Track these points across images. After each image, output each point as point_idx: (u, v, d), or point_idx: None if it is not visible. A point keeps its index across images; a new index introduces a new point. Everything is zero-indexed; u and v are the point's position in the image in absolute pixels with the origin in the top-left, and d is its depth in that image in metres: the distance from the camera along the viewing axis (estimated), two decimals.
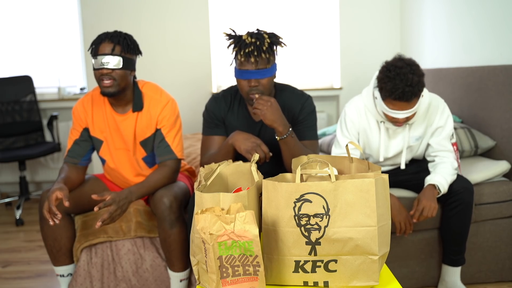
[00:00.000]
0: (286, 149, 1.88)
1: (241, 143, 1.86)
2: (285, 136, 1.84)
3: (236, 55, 1.86)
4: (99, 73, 1.89)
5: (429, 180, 2.02)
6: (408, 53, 3.86)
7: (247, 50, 1.80)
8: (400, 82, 1.82)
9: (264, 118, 1.81)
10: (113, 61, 1.88)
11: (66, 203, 1.76)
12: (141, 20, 4.08)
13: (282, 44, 1.89)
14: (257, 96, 1.85)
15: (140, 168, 2.13)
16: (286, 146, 1.87)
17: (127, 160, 2.11)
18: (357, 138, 2.15)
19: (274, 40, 1.86)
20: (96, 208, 1.72)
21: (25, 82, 3.97)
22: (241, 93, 1.93)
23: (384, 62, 1.93)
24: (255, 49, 1.80)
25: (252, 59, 1.80)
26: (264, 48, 1.81)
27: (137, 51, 2.00)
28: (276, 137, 1.87)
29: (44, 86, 4.27)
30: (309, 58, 4.22)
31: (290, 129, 1.85)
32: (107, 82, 1.89)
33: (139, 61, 3.67)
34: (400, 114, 1.90)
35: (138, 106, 2.02)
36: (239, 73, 1.86)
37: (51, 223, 1.77)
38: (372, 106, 2.07)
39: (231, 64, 1.93)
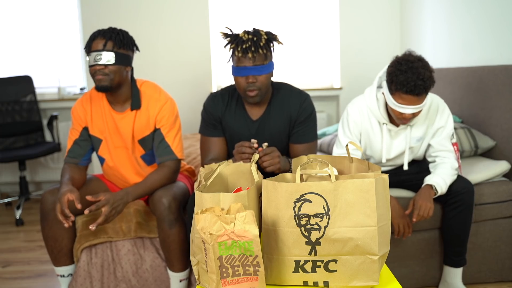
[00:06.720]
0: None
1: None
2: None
3: (233, 52, 1.86)
4: (93, 70, 1.89)
5: (427, 180, 2.02)
6: None
7: (244, 46, 1.81)
8: (412, 75, 1.83)
9: (278, 169, 1.85)
10: (105, 57, 1.87)
11: (79, 206, 1.77)
12: (141, 20, 4.08)
13: (279, 41, 1.90)
14: (259, 149, 1.83)
15: (139, 166, 2.13)
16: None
17: (126, 158, 2.11)
18: (359, 139, 2.15)
19: (271, 36, 1.88)
20: (86, 211, 1.73)
21: (25, 82, 3.97)
22: (238, 91, 1.94)
23: (395, 57, 1.94)
24: (252, 44, 1.81)
25: (250, 55, 1.81)
26: (261, 44, 1.83)
27: (132, 47, 1.98)
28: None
29: (44, 86, 4.27)
30: (309, 58, 4.22)
31: (290, 161, 1.94)
32: (100, 76, 1.89)
33: (139, 61, 3.67)
34: (408, 109, 1.89)
35: (136, 104, 2.02)
36: (236, 70, 1.87)
37: (66, 225, 1.77)
38: (374, 107, 2.07)
39: (228, 61, 1.93)
